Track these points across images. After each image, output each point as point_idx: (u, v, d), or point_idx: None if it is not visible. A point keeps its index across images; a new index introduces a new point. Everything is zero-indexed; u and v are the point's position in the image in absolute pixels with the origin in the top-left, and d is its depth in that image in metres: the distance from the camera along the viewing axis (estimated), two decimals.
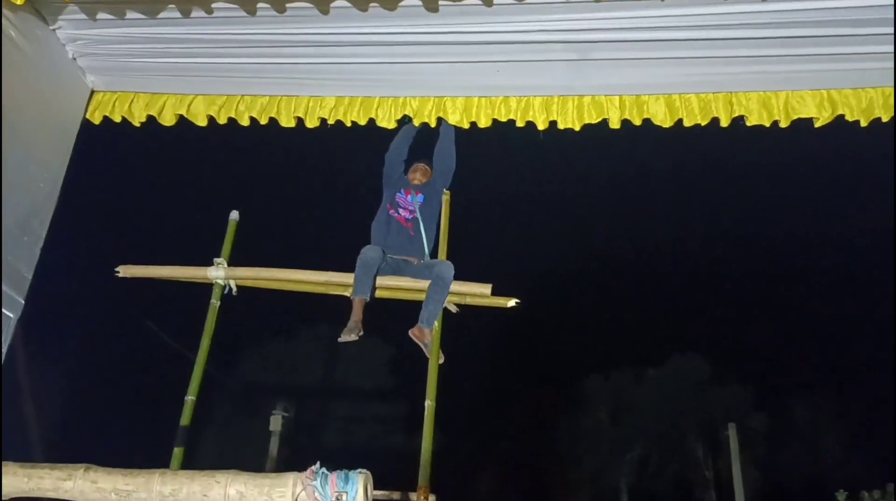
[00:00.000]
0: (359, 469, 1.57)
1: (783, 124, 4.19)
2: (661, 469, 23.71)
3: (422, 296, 4.59)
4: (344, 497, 1.53)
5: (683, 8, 3.69)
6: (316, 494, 1.55)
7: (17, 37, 3.95)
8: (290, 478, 1.58)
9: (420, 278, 4.66)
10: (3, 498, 1.76)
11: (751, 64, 4.08)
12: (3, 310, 3.96)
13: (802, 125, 4.16)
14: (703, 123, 4.25)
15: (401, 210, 4.81)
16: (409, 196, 4.85)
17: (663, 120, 4.29)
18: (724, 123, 4.23)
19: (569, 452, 23.85)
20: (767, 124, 4.21)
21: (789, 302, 24.28)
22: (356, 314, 4.52)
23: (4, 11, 3.82)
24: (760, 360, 23.57)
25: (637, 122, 4.33)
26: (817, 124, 4.17)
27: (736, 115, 4.23)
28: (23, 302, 4.10)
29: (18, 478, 1.75)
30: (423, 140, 4.99)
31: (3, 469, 1.79)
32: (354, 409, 23.31)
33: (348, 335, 4.49)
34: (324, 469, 1.58)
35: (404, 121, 4.68)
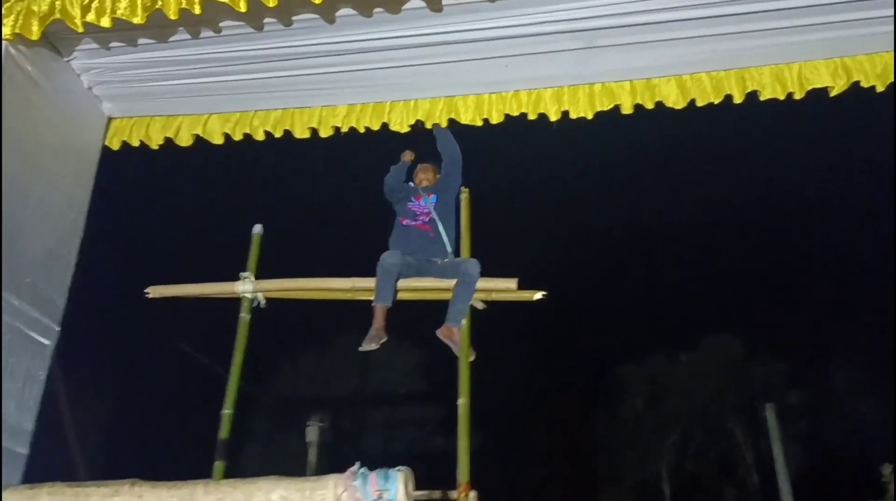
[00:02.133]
0: (398, 467, 1.60)
1: (798, 96, 4.16)
2: (701, 452, 23.52)
3: (448, 295, 4.59)
4: (385, 496, 1.56)
5: None
6: (357, 494, 1.57)
7: (33, 71, 4.02)
8: (331, 480, 1.61)
9: (445, 278, 4.65)
10: None
11: (761, 37, 4.05)
12: (38, 337, 4.04)
13: (818, 96, 4.13)
14: (717, 101, 4.23)
15: (417, 217, 4.77)
16: (420, 201, 4.82)
17: (676, 101, 4.28)
18: (738, 99, 4.21)
19: (607, 441, 23.75)
20: (782, 97, 4.18)
21: (818, 275, 23.98)
22: (378, 322, 4.50)
23: (20, 46, 3.90)
24: (795, 336, 23.26)
25: (649, 105, 4.32)
26: (832, 93, 4.13)
27: (749, 90, 4.20)
28: (58, 329, 4.19)
29: (67, 498, 1.79)
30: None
31: (50, 491, 1.83)
32: (390, 414, 23.39)
33: (370, 344, 4.48)
34: (364, 469, 1.61)
35: (417, 126, 4.69)
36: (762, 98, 4.20)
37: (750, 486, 22.74)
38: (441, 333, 4.50)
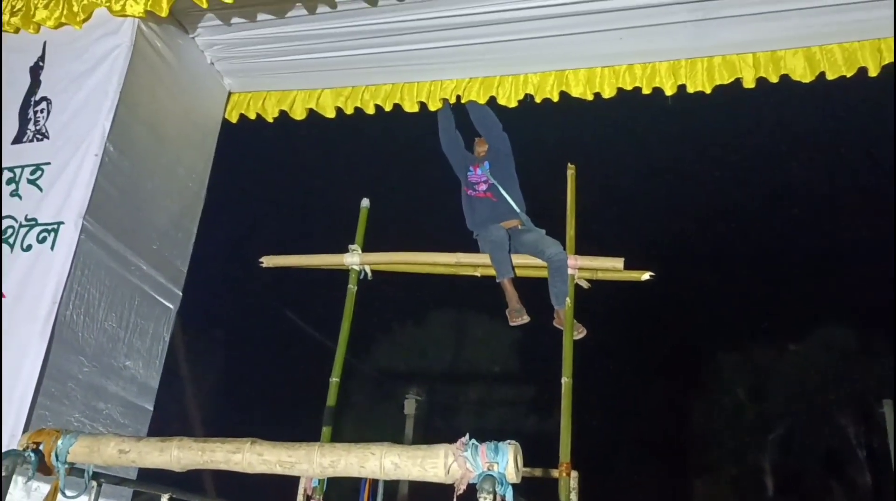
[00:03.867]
0: (508, 441, 1.60)
1: None
2: (807, 448, 22.40)
3: (542, 272, 4.56)
4: (495, 468, 1.56)
5: None
6: (467, 464, 1.58)
7: (161, 47, 4.23)
8: (442, 450, 1.62)
9: (533, 255, 4.62)
10: (181, 470, 1.92)
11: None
12: (163, 301, 4.28)
13: None
14: (849, 75, 3.96)
15: (476, 186, 4.83)
16: (477, 170, 4.87)
17: (803, 75, 4.04)
18: (873, 72, 3.92)
19: (709, 430, 23.01)
20: None
21: None
22: (512, 295, 4.54)
23: (150, 24, 4.10)
24: None
25: (774, 79, 4.10)
26: None
27: (886, 62, 3.91)
28: (180, 294, 4.43)
29: (194, 452, 1.89)
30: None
31: (179, 445, 1.93)
32: (488, 390, 23.42)
33: (519, 318, 4.53)
34: (473, 441, 1.61)
35: (526, 100, 4.64)
36: None
37: (861, 485, 21.55)
38: (555, 321, 4.50)
